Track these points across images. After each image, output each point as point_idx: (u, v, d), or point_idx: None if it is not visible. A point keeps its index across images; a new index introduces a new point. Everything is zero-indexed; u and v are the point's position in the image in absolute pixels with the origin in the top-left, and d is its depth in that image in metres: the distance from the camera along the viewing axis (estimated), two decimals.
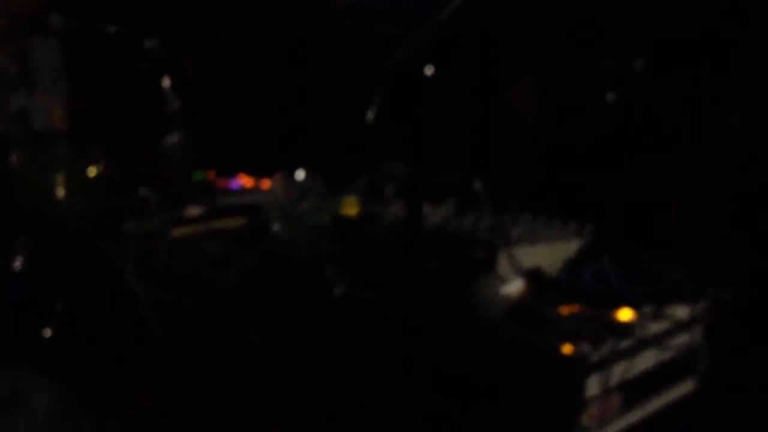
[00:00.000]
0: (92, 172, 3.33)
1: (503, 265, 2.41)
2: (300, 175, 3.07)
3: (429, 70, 2.07)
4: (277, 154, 3.87)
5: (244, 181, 3.37)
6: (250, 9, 4.10)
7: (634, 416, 2.32)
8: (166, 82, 3.52)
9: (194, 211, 3.05)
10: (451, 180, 2.72)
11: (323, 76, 4.02)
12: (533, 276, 2.41)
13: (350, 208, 2.82)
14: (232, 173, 3.46)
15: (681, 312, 2.40)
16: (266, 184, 3.30)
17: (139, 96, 3.57)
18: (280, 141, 4.08)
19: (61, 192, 3.23)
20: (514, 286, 2.37)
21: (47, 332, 3.01)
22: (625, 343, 2.22)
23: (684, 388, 2.48)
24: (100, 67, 3.71)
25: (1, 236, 3.10)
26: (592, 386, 2.14)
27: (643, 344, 2.28)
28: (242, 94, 4.11)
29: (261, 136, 4.05)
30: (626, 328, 2.23)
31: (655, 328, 2.32)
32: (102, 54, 3.70)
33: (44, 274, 3.09)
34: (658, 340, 2.33)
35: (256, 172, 3.39)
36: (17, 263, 3.09)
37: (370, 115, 2.16)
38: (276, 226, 2.80)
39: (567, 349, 2.11)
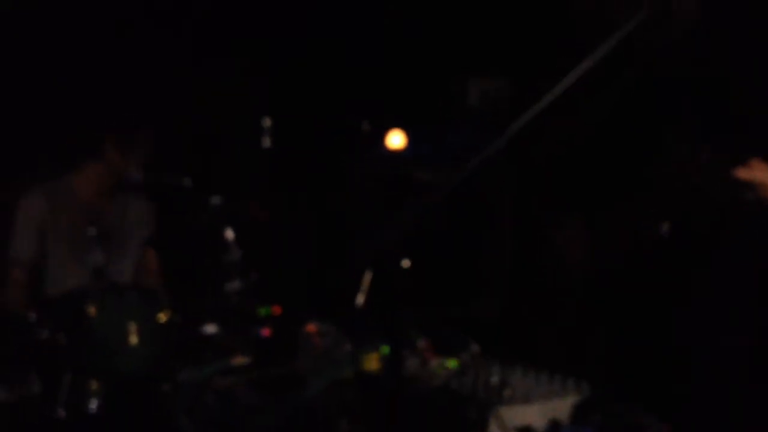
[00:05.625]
0: (161, 318, 3.71)
1: (493, 425, 2.65)
2: (330, 326, 3.36)
3: (405, 264, 2.35)
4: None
5: None
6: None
7: None
8: (230, 234, 3.90)
9: (241, 360, 3.41)
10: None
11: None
12: None
13: (372, 363, 3.11)
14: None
15: None
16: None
17: (204, 246, 3.97)
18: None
19: (133, 339, 3.62)
20: None
21: None
22: None
23: None
24: (171, 220, 4.14)
25: (78, 380, 3.49)
26: None
27: None
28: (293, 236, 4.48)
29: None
30: None
31: None
32: (173, 208, 4.14)
33: (115, 416, 3.46)
34: None
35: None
36: (93, 405, 3.47)
37: (360, 300, 2.46)
38: (306, 378, 3.13)
39: None
